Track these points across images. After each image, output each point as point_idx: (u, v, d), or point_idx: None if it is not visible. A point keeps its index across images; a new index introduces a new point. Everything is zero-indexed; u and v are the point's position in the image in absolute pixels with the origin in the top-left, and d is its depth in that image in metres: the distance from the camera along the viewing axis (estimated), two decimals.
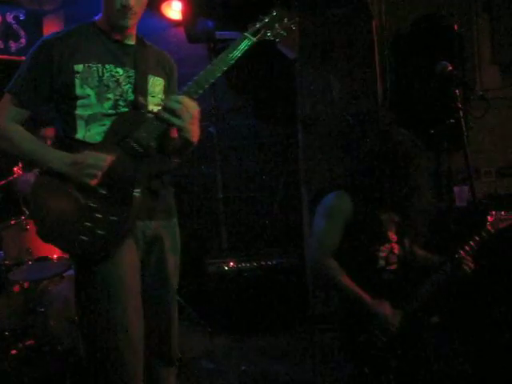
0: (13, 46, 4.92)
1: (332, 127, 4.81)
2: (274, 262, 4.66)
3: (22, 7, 5.00)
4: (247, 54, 2.12)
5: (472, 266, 2.69)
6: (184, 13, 5.11)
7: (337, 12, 4.78)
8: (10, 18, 4.89)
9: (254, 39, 2.12)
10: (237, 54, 2.09)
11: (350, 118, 4.69)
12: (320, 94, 4.83)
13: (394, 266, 2.80)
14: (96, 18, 2.20)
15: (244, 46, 2.10)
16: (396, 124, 3.98)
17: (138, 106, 2.12)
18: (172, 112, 2.00)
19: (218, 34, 4.90)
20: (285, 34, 2.18)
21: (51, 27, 4.93)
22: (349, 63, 4.77)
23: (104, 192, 2.01)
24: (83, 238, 1.97)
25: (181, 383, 3.63)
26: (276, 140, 5.36)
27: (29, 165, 2.14)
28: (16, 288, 3.62)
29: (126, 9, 2.08)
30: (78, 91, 2.07)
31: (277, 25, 2.17)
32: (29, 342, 3.39)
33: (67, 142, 2.10)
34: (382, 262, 2.77)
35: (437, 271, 2.73)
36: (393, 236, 2.81)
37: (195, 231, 5.43)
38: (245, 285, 4.57)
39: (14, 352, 3.36)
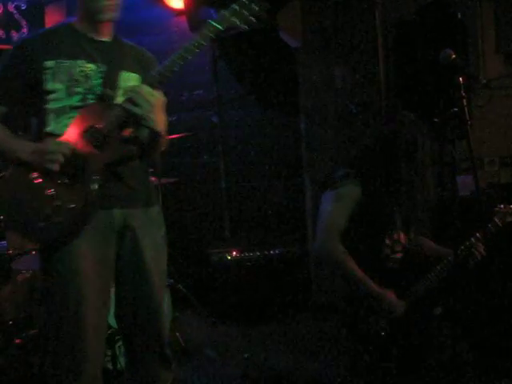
0: (14, 35, 4.91)
1: (335, 116, 4.81)
2: (276, 252, 4.67)
3: None
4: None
5: (479, 255, 2.70)
6: (186, 2, 5.09)
7: (340, 0, 4.76)
8: (11, 7, 4.88)
9: (221, 27, 2.13)
10: (201, 42, 2.12)
11: (353, 107, 4.68)
12: (323, 82, 4.82)
13: (398, 255, 2.79)
14: (72, 19, 2.28)
15: (209, 34, 2.12)
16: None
17: (104, 98, 2.16)
18: (130, 101, 2.05)
19: None
20: (255, 21, 2.16)
21: (53, 16, 4.91)
22: (352, 52, 4.76)
23: (65, 180, 2.05)
24: (40, 224, 2.02)
25: (184, 372, 3.68)
26: (279, 129, 5.35)
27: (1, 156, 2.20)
28: (19, 277, 3.63)
29: (110, 2, 2.17)
30: (49, 86, 2.14)
31: (246, 12, 2.14)
32: (32, 332, 3.40)
33: (40, 135, 2.16)
34: (387, 250, 2.77)
35: (441, 263, 2.72)
36: (399, 224, 2.81)
37: (198, 221, 5.43)
38: (247, 274, 4.58)
39: (17, 341, 3.37)
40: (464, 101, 2.41)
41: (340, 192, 2.74)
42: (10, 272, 3.63)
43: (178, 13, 5.28)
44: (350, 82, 4.77)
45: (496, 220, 2.72)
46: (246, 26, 2.16)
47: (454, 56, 2.46)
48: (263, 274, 4.58)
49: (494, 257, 3.06)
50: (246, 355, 3.86)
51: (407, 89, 4.32)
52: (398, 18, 4.65)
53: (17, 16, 4.88)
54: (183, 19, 5.18)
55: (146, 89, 2.06)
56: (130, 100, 2.05)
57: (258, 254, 4.65)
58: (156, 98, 2.08)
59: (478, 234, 2.71)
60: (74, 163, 2.04)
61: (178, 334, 3.90)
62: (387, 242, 2.76)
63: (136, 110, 2.05)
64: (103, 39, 2.27)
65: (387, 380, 2.61)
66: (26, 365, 3.24)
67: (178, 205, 5.33)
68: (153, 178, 4.41)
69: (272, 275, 4.58)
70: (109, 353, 3.16)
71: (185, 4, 5.12)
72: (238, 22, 2.15)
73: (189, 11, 5.05)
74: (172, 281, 4.23)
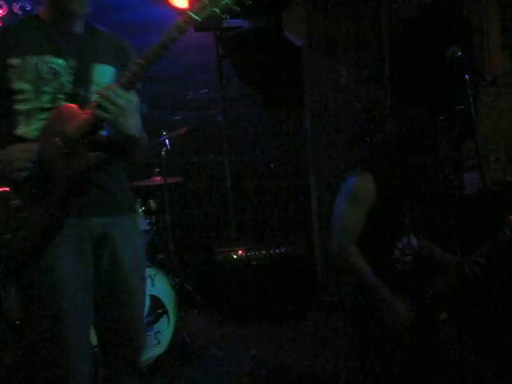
0: None
1: (340, 115, 4.80)
2: (282, 251, 4.66)
3: None
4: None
5: (480, 268, 2.67)
6: (190, 1, 5.08)
7: None
8: (16, 8, 4.89)
9: (199, 19, 1.89)
10: (176, 35, 1.89)
11: (359, 106, 4.67)
12: (328, 81, 4.81)
13: (408, 258, 2.76)
14: (39, 9, 2.11)
15: (184, 25, 1.90)
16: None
17: (75, 99, 2.02)
18: (97, 106, 1.89)
19: (225, 22, 4.88)
20: (237, 8, 1.89)
21: None
22: (357, 50, 4.74)
23: (33, 190, 1.93)
24: (7, 236, 1.91)
25: (190, 371, 3.68)
26: (284, 128, 5.35)
27: None
28: None
29: None
30: (15, 86, 1.99)
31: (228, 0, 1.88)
32: None
33: (9, 138, 2.01)
34: (397, 253, 2.74)
35: (449, 269, 2.70)
36: (410, 227, 2.77)
37: (203, 220, 5.43)
38: (253, 273, 4.58)
39: (25, 342, 3.38)
40: (470, 98, 2.40)
41: (358, 190, 2.67)
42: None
43: (182, 12, 5.27)
44: (355, 81, 4.76)
45: (506, 230, 2.66)
46: (228, 15, 1.92)
47: (459, 53, 2.45)
48: (269, 273, 4.58)
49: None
50: (252, 352, 3.86)
51: (413, 86, 4.31)
52: (403, 15, 4.64)
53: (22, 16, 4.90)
54: None
55: (115, 91, 1.89)
56: (97, 104, 1.90)
57: (264, 253, 4.64)
58: (126, 100, 1.90)
59: (481, 249, 2.67)
60: (42, 170, 1.92)
61: (184, 333, 3.90)
62: (399, 244, 2.73)
63: (104, 114, 1.89)
64: (75, 31, 2.10)
65: (393, 382, 2.60)
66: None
67: (183, 204, 5.33)
68: (158, 178, 4.42)
69: (278, 274, 4.58)
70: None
71: (189, 3, 5.11)
72: (219, 12, 1.89)
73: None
74: (178, 280, 4.24)
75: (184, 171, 5.16)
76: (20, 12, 4.90)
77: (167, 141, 4.32)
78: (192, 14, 1.89)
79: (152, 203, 4.29)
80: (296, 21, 4.87)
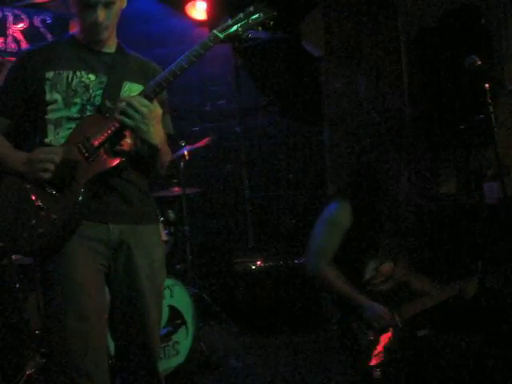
0: None
1: (358, 125, 4.79)
2: (300, 261, 4.64)
3: (49, 11, 5.06)
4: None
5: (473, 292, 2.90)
6: (209, 13, 5.13)
7: (362, 9, 4.75)
8: (37, 21, 4.95)
9: (221, 36, 2.11)
10: (201, 51, 2.09)
11: (377, 116, 4.66)
12: (346, 91, 4.81)
13: (381, 280, 2.94)
14: (76, 31, 2.27)
15: (208, 43, 2.10)
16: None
17: (102, 110, 2.14)
18: (122, 112, 2.01)
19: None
20: (259, 28, 2.14)
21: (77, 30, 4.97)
22: (375, 60, 4.74)
23: (53, 191, 2.04)
24: (25, 235, 2.02)
25: (209, 382, 3.67)
26: (302, 138, 5.34)
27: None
28: None
29: (95, 25, 2.12)
30: (48, 97, 2.13)
31: (251, 21, 2.13)
32: None
33: (38, 146, 2.14)
34: (367, 276, 2.93)
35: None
36: (383, 253, 2.96)
37: (222, 230, 5.44)
38: (272, 284, 4.56)
39: (44, 350, 3.40)
40: (490, 107, 2.39)
41: (336, 216, 2.95)
42: (35, 282, 3.67)
43: (200, 24, 5.32)
44: (373, 91, 4.75)
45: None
46: (249, 35, 2.16)
47: (479, 62, 2.44)
48: (287, 284, 4.56)
49: None
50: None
51: (432, 96, 4.29)
52: (421, 25, 4.63)
53: (42, 30, 4.95)
54: (205, 30, 5.22)
55: (139, 100, 2.02)
56: (121, 111, 2.02)
57: (282, 263, 4.63)
58: (149, 110, 2.02)
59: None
60: (63, 173, 2.03)
61: (202, 343, 3.90)
62: (370, 267, 2.92)
63: (127, 121, 2.01)
64: (106, 50, 2.25)
65: None
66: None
67: (201, 214, 5.34)
68: (176, 189, 4.44)
69: (296, 285, 4.56)
70: None
71: (207, 15, 5.16)
72: (241, 31, 2.13)
73: (211, 22, 5.08)
74: (196, 290, 4.24)
75: (202, 182, 5.17)
76: (40, 25, 4.97)
77: (185, 152, 4.34)
78: (217, 33, 2.10)
79: (171, 214, 4.30)
80: (314, 31, 4.88)
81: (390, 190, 2.94)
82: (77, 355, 2.04)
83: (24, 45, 4.87)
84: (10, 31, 4.82)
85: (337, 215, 2.94)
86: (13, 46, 4.83)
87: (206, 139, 4.43)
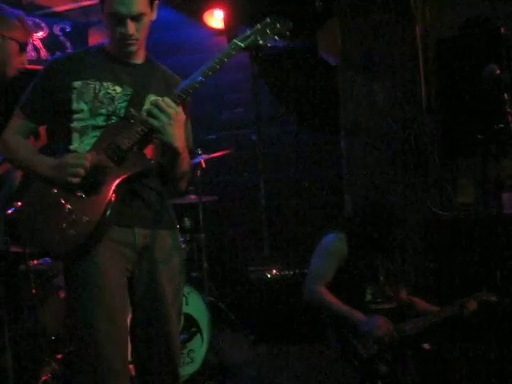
0: None
1: (375, 134, 4.77)
2: None
3: (69, 19, 5.11)
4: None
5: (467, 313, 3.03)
6: (226, 21, 5.15)
7: (379, 18, 4.74)
8: (56, 30, 5.01)
9: (242, 45, 2.17)
10: (223, 59, 2.14)
11: (394, 125, 4.64)
12: (363, 100, 4.79)
13: (380, 301, 3.08)
14: (106, 41, 2.30)
15: (230, 51, 2.16)
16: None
17: (128, 118, 2.17)
18: (149, 113, 2.07)
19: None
20: (278, 39, 2.22)
21: (96, 37, 5.02)
22: (392, 69, 4.72)
23: (83, 195, 2.08)
24: (55, 237, 2.05)
25: None
26: (319, 147, 5.33)
27: (23, 171, 2.32)
28: (61, 294, 3.68)
29: (126, 37, 2.16)
30: (74, 106, 2.17)
31: (268, 31, 2.20)
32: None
33: (62, 152, 2.18)
34: (369, 297, 3.09)
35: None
36: (382, 278, 3.12)
37: (238, 238, 5.43)
38: (287, 292, 4.55)
39: (59, 356, 3.42)
40: (509, 117, 2.37)
41: (331, 248, 3.16)
42: (51, 288, 3.69)
43: (218, 32, 5.34)
44: (390, 100, 4.74)
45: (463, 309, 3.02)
46: (268, 44, 2.21)
47: (498, 71, 2.42)
48: None
49: None
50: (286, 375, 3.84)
51: (450, 105, 4.26)
52: (439, 34, 4.61)
53: (62, 38, 5.01)
54: (223, 39, 5.24)
55: (166, 101, 2.07)
56: (148, 112, 2.07)
57: (298, 272, 4.61)
58: (175, 111, 2.07)
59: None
60: (92, 177, 2.07)
61: (216, 351, 3.89)
62: (369, 291, 3.09)
63: (153, 122, 2.06)
64: (134, 62, 2.29)
65: None
66: (69, 380, 3.28)
67: (217, 222, 5.35)
68: (193, 196, 4.45)
69: None
70: None
71: (225, 24, 5.18)
72: (261, 41, 2.20)
73: (229, 31, 5.11)
74: (212, 298, 4.24)
75: (219, 190, 5.18)
76: (60, 33, 5.02)
77: (202, 160, 4.35)
78: (238, 42, 2.17)
79: (187, 221, 4.32)
80: (331, 40, 4.88)
81: (391, 219, 3.15)
82: (109, 356, 2.07)
83: (43, 53, 4.92)
84: (30, 39, 4.88)
85: (332, 245, 3.16)
86: (32, 54, 4.89)
87: (225, 151, 4.45)
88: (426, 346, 3.05)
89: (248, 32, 2.19)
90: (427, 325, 3.03)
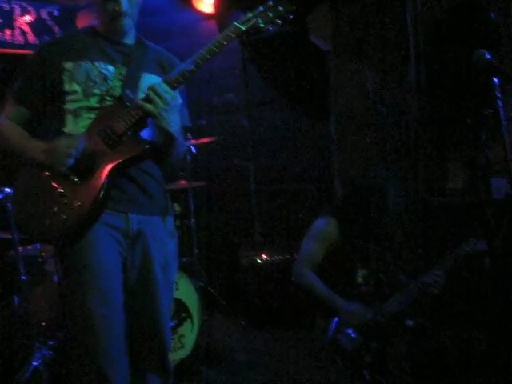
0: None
1: (365, 118, 4.77)
2: None
3: (56, 3, 5.05)
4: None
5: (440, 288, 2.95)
6: (216, 6, 5.12)
7: (370, 2, 4.72)
8: (44, 14, 4.95)
9: (243, 28, 2.12)
10: (223, 42, 2.11)
11: (384, 109, 4.64)
12: (353, 85, 4.79)
13: (371, 284, 3.08)
14: (96, 22, 2.29)
15: (231, 34, 2.11)
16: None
17: (123, 100, 2.17)
18: (145, 98, 2.06)
19: None
20: (279, 22, 2.16)
21: (84, 22, 4.97)
22: (383, 53, 4.71)
23: (75, 179, 2.07)
24: (46, 221, 2.04)
25: (214, 375, 3.68)
26: (309, 132, 5.32)
27: (16, 157, 2.23)
28: (52, 279, 3.68)
29: (118, 14, 2.15)
30: (66, 87, 2.16)
31: (270, 14, 2.14)
32: (65, 333, 3.43)
33: (56, 135, 2.16)
34: (359, 279, 3.10)
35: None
36: (372, 262, 3.12)
37: (228, 224, 5.44)
38: (278, 277, 4.56)
39: (51, 343, 3.42)
40: (499, 101, 2.37)
41: (322, 231, 3.17)
42: (43, 274, 3.68)
43: (208, 17, 5.31)
44: (380, 84, 4.73)
45: (465, 247, 2.96)
46: (270, 28, 2.17)
47: (488, 56, 2.42)
48: None
49: None
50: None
51: (440, 90, 4.26)
52: (430, 18, 4.60)
53: (49, 22, 4.95)
54: (213, 23, 5.21)
55: (163, 86, 2.06)
56: (145, 97, 2.07)
57: (288, 257, 4.63)
58: (172, 96, 2.06)
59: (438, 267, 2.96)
60: (85, 161, 2.06)
61: (207, 337, 3.90)
62: (360, 273, 3.09)
63: (149, 107, 2.05)
64: (126, 41, 2.28)
65: None
66: (60, 366, 3.28)
67: (207, 208, 5.34)
68: (183, 182, 4.44)
69: None
70: None
71: (215, 8, 5.15)
72: (262, 24, 2.14)
73: (218, 15, 5.08)
74: (202, 284, 4.24)
75: (209, 175, 5.17)
76: (47, 18, 4.96)
77: (191, 145, 4.34)
78: (238, 25, 2.11)
79: (177, 207, 4.31)
80: (321, 25, 4.85)
81: (379, 205, 3.11)
82: (103, 340, 2.06)
83: (31, 37, 4.87)
84: (17, 24, 4.82)
85: (323, 229, 3.17)
86: (20, 38, 4.83)
87: (214, 138, 4.44)
88: (409, 322, 3.03)
89: (250, 15, 2.14)
90: (410, 298, 2.97)
